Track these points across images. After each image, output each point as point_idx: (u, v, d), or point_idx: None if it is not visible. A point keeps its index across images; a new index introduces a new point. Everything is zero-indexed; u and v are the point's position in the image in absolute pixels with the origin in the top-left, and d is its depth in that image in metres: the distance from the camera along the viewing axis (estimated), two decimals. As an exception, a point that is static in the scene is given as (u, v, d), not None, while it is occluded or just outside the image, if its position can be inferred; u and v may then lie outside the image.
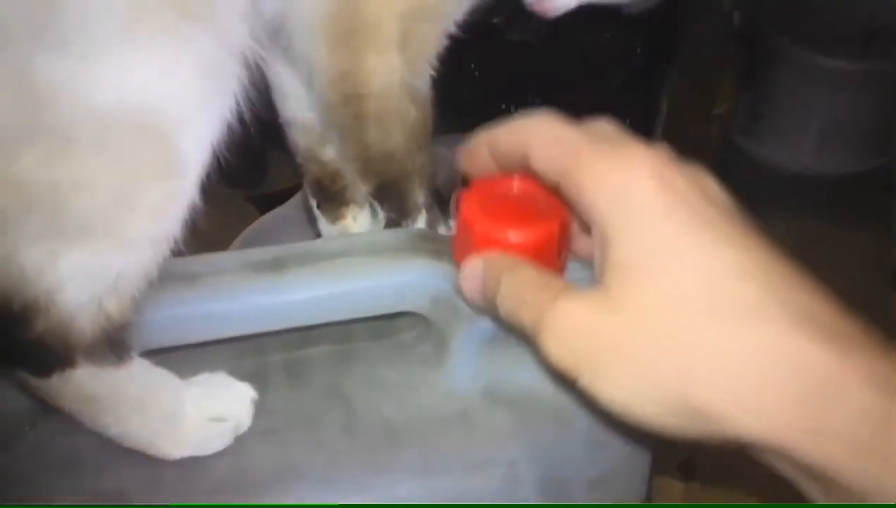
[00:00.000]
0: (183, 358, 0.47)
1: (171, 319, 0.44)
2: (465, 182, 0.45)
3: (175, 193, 0.40)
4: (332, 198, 0.58)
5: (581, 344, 0.34)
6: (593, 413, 0.46)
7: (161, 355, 0.45)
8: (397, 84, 0.50)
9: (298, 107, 0.55)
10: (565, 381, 0.35)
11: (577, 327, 0.34)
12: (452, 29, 0.51)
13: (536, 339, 0.36)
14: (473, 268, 0.41)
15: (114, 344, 0.42)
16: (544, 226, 0.41)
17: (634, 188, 0.34)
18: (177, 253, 0.41)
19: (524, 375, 0.47)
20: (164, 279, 0.44)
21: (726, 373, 0.31)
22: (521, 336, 0.37)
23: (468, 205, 0.42)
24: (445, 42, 0.51)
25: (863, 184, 1.33)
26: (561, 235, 0.41)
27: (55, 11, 0.34)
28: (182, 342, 0.45)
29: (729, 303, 0.31)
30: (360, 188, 0.56)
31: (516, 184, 0.43)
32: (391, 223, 0.55)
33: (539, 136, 0.39)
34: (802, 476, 0.31)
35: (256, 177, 1.23)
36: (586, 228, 0.39)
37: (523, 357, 0.47)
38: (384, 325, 0.50)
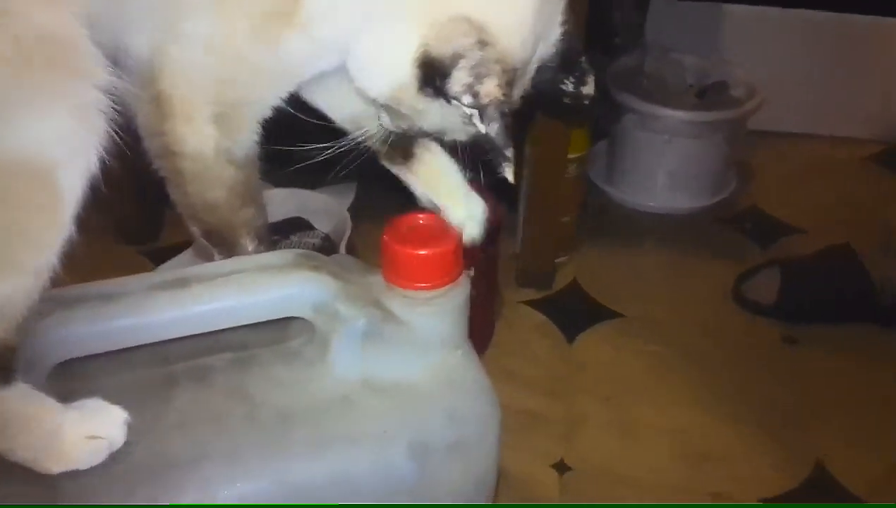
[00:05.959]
0: (100, 368, 0.55)
1: (94, 332, 0.52)
2: None
3: (56, 225, 0.46)
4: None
5: None
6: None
7: (81, 368, 0.53)
8: (212, 150, 0.56)
9: None
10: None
11: None
12: (269, 111, 0.57)
13: None
14: None
15: (1, 365, 0.48)
16: (442, 244, 0.57)
17: None
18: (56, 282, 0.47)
19: (394, 364, 0.57)
20: (85, 298, 0.53)
21: None
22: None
23: (389, 233, 0.56)
24: (268, 113, 0.57)
25: (706, 217, 1.51)
26: (454, 251, 0.57)
27: None
28: (103, 350, 0.53)
29: None
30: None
31: (422, 218, 0.59)
32: None
33: None
34: None
35: (152, 233, 1.31)
36: None
37: (393, 349, 0.57)
38: (275, 334, 0.60)
